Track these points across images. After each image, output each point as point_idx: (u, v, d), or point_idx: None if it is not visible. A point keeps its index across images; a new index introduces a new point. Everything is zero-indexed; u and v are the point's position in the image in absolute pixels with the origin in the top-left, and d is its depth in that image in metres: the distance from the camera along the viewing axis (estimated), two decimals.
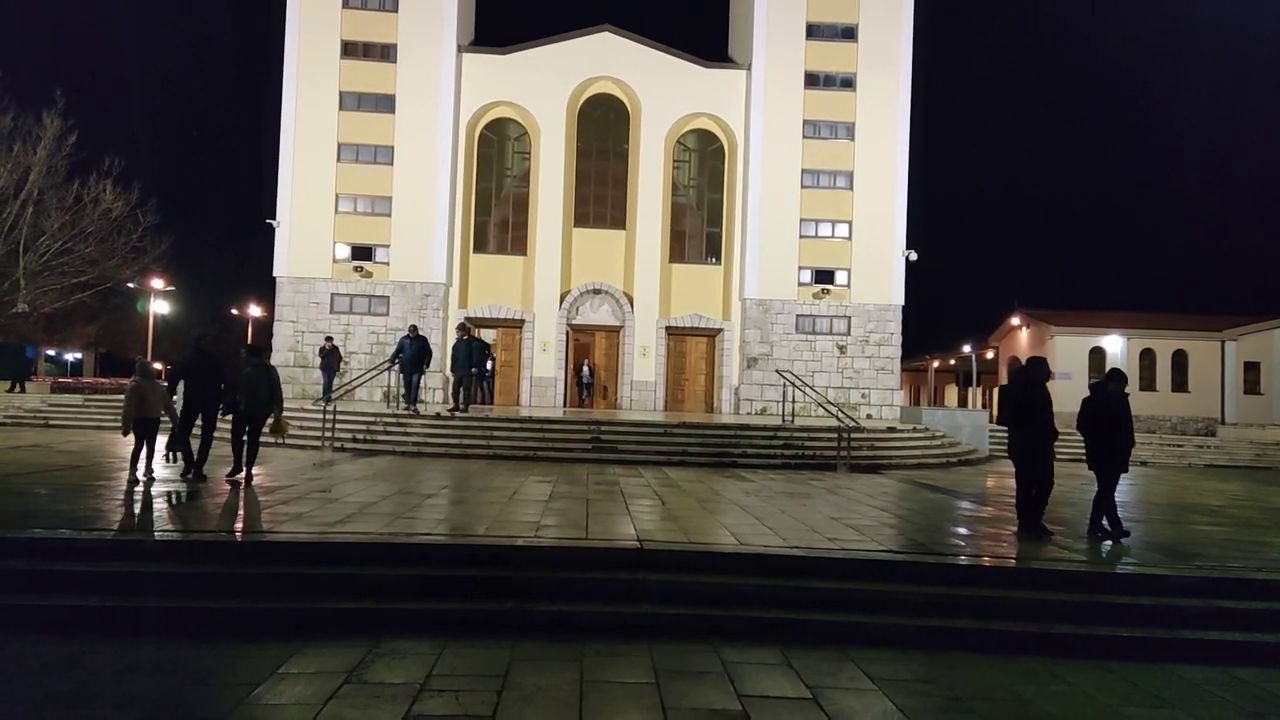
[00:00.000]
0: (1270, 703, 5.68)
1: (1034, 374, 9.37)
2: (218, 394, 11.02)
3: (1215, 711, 5.50)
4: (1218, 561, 8.05)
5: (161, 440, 10.90)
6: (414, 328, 19.26)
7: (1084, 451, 9.53)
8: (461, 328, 18.52)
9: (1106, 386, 9.43)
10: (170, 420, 10.78)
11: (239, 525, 8.10)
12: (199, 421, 11.15)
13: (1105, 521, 9.30)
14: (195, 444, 11.10)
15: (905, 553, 8.00)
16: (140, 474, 10.45)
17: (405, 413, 18.59)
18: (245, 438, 10.91)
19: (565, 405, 28.84)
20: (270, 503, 9.43)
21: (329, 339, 23.78)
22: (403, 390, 19.49)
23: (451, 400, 18.19)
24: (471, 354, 18.30)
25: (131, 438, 10.61)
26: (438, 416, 18.50)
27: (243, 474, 10.86)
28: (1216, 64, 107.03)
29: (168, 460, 11.37)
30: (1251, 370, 37.95)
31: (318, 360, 24.06)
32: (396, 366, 19.42)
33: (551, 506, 9.89)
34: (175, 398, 11.05)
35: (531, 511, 9.45)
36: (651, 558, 7.49)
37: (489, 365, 25.98)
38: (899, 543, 8.51)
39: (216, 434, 11.60)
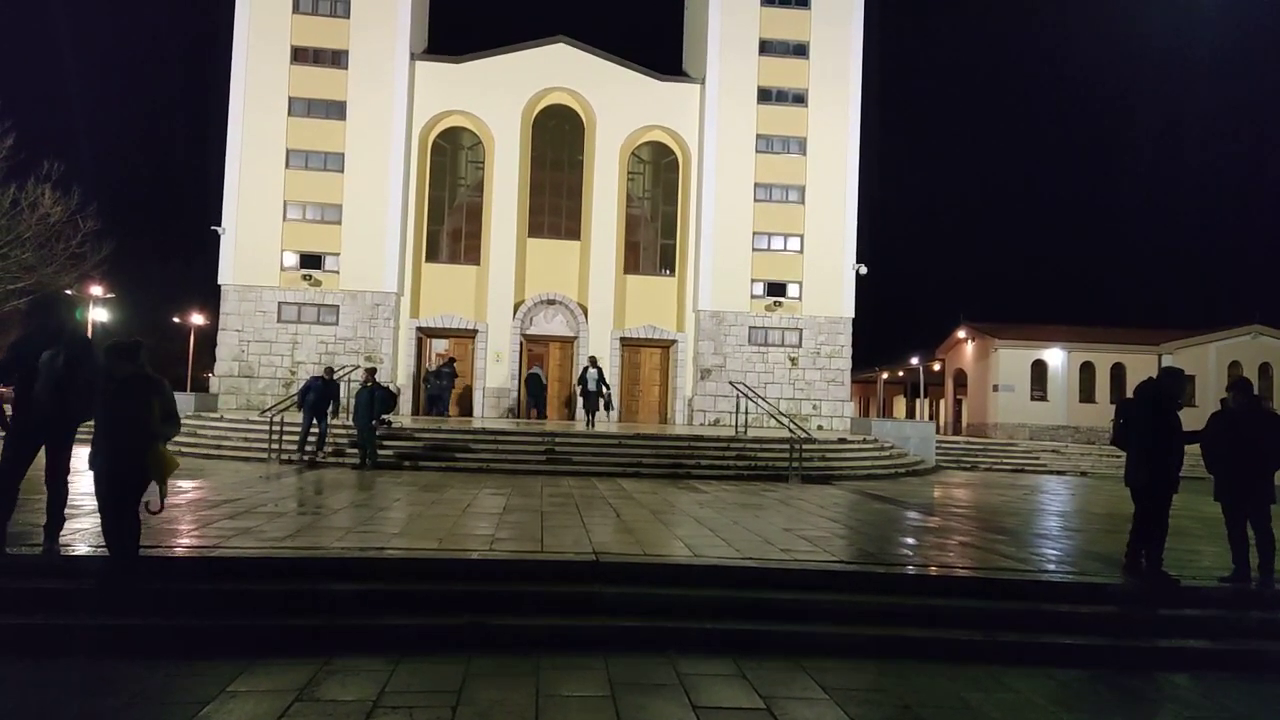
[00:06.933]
0: (1204, 709, 5.88)
1: (1168, 388, 8.02)
2: (71, 410, 7.12)
3: (1153, 716, 5.69)
4: (1174, 578, 8.27)
5: None
6: (329, 369, 17.83)
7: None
8: (369, 373, 16.71)
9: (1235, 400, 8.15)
10: None
11: (185, 541, 7.92)
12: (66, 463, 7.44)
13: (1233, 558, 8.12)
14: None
15: (856, 563, 8.13)
16: None
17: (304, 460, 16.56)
18: (113, 501, 6.46)
19: (520, 417, 28.64)
20: (216, 517, 9.24)
21: (451, 360, 26.64)
22: (311, 433, 16.99)
23: (359, 455, 16.17)
24: (374, 403, 16.09)
25: None
26: (357, 466, 16.06)
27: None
28: (1158, 81, 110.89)
29: None
30: (1188, 383, 39.31)
31: (431, 380, 26.19)
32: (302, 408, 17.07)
33: (506, 519, 9.84)
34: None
35: (486, 525, 9.39)
36: (606, 570, 7.50)
37: (447, 381, 25.81)
38: (850, 553, 8.65)
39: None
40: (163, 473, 6.54)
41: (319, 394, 16.70)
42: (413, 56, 29.16)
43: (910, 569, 8.16)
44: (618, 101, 30.02)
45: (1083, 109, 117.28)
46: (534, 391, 26.46)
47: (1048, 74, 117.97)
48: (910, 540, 10.00)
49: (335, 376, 17.78)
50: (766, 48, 30.33)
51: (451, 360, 27.24)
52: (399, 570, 7.34)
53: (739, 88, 30.05)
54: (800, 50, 30.45)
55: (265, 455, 16.61)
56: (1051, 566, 8.55)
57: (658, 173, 31.20)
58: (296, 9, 28.54)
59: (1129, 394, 8.68)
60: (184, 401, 22.58)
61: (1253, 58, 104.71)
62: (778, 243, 30.24)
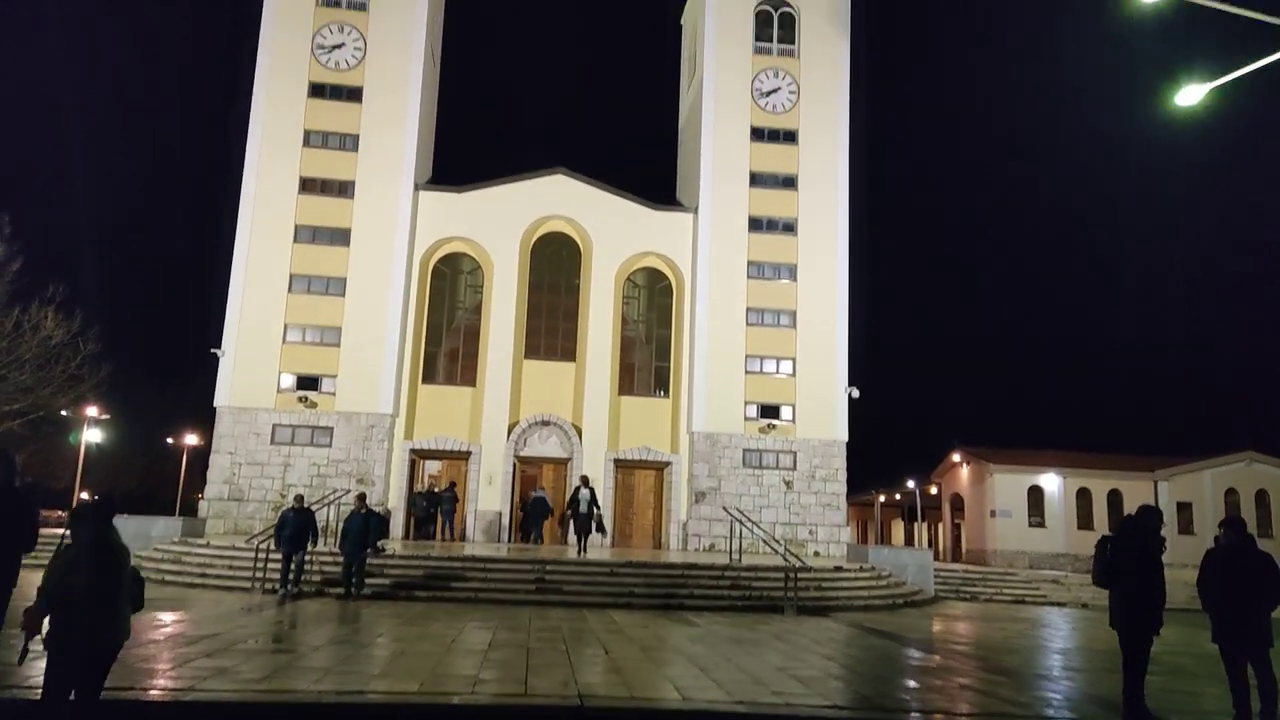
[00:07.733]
0: None
1: (1148, 524, 8.21)
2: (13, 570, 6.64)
3: None
4: (1156, 715, 8.06)
5: None
6: (299, 498, 17.19)
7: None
8: (360, 498, 16.48)
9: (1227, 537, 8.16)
10: None
11: (160, 681, 7.69)
12: None
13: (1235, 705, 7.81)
14: None
15: (849, 708, 7.90)
16: None
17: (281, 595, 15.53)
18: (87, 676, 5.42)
19: (511, 540, 28.20)
20: (193, 655, 8.99)
21: (452, 484, 27.11)
22: (289, 569, 15.93)
23: (343, 584, 15.63)
24: (368, 530, 15.49)
25: None
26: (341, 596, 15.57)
27: None
28: (1151, 197, 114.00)
29: None
30: (1184, 510, 38.84)
31: (424, 503, 26.30)
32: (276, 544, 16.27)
33: (491, 657, 9.59)
34: None
35: (470, 663, 9.15)
36: (591, 716, 7.25)
37: (449, 506, 25.91)
38: (845, 696, 8.41)
39: None
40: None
41: (295, 527, 15.93)
42: (416, 186, 30.19)
43: (914, 716, 7.92)
44: (614, 229, 30.93)
45: (1079, 228, 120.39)
46: (536, 516, 25.27)
47: (1039, 195, 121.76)
48: (908, 681, 9.74)
49: (309, 504, 17.20)
50: (757, 180, 31.47)
51: (452, 485, 27.35)
52: (379, 717, 7.10)
53: (730, 217, 31.01)
54: (789, 182, 31.60)
55: (249, 584, 16.27)
56: (1050, 712, 8.31)
57: (652, 297, 31.83)
58: (307, 143, 29.71)
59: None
60: (170, 527, 22.29)
61: (1249, 170, 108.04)
62: (770, 365, 30.55)
